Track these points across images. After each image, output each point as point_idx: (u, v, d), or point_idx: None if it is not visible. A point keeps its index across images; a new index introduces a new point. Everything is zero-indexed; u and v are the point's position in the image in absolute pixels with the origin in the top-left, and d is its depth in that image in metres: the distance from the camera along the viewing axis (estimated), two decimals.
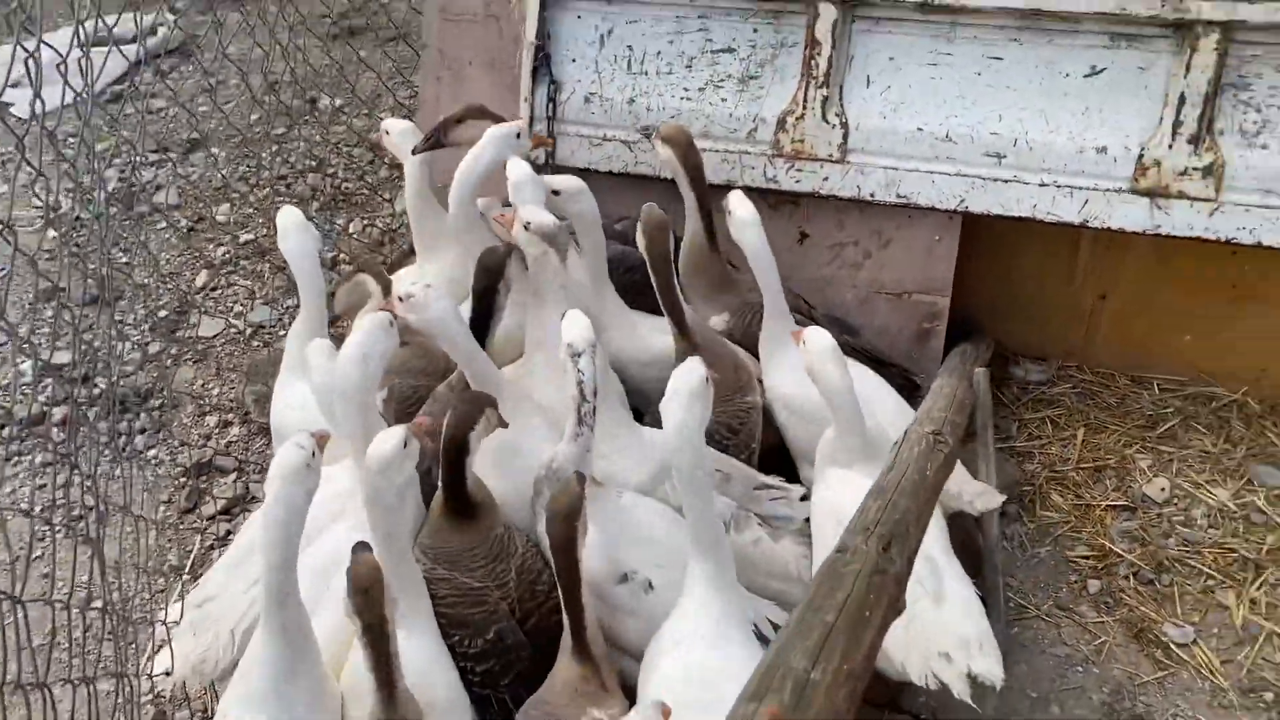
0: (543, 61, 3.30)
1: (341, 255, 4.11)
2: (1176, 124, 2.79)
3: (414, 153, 3.05)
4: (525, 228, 2.54)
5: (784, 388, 2.69)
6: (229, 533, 3.09)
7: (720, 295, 2.90)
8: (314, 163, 4.53)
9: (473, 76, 3.48)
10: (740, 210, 2.66)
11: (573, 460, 2.21)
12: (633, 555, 2.23)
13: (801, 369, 2.60)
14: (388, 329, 2.32)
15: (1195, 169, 2.79)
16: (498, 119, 2.97)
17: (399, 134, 3.16)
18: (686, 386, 1.98)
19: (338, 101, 4.79)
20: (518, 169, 2.68)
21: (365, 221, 4.30)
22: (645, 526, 2.28)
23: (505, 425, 2.26)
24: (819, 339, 2.38)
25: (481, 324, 2.59)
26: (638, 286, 2.79)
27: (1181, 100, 2.77)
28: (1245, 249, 2.82)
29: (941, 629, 2.11)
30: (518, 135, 2.87)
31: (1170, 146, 2.80)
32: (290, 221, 2.66)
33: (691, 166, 2.89)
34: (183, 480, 3.24)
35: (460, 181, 2.81)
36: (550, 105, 3.32)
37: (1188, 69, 2.75)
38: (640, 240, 2.66)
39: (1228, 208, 2.78)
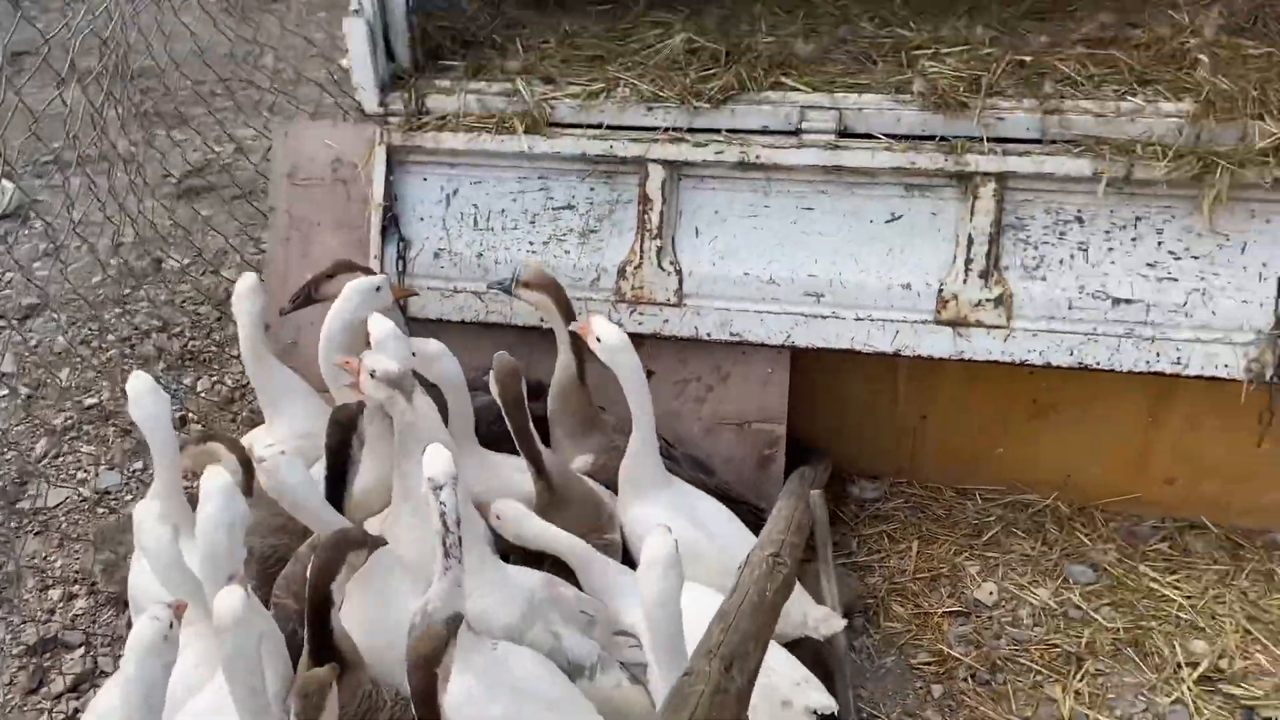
0: (391, 221, 3.45)
1: (190, 414, 4.07)
2: (968, 261, 3.14)
3: (282, 312, 3.11)
4: (371, 375, 2.62)
5: (642, 524, 2.81)
6: (77, 711, 2.96)
7: (587, 436, 3.03)
8: (159, 323, 4.51)
9: (322, 237, 3.60)
10: (608, 335, 2.78)
11: (445, 597, 2.21)
12: (511, 711, 2.22)
13: (663, 503, 2.75)
14: (236, 492, 2.34)
15: (988, 300, 3.13)
16: (368, 272, 3.08)
17: (240, 294, 3.14)
18: (662, 557, 2.05)
19: (184, 260, 4.81)
20: (380, 326, 2.78)
21: (214, 379, 4.29)
22: (523, 679, 2.29)
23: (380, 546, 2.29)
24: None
25: (337, 480, 2.64)
26: (506, 434, 2.89)
27: (970, 241, 3.13)
28: (1038, 368, 3.16)
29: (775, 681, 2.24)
30: (378, 289, 2.99)
31: (965, 281, 3.14)
32: (141, 387, 2.66)
33: (562, 303, 3.04)
34: (26, 659, 3.10)
35: (326, 336, 2.89)
36: (400, 262, 3.46)
37: (972, 214, 3.11)
38: (494, 388, 2.79)
39: (1018, 333, 3.13)
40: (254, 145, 5.49)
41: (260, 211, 4.56)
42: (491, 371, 2.80)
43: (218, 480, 2.31)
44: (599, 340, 2.78)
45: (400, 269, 3.45)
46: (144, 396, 2.65)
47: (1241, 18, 3.40)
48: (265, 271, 3.71)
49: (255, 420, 3.60)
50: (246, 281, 3.11)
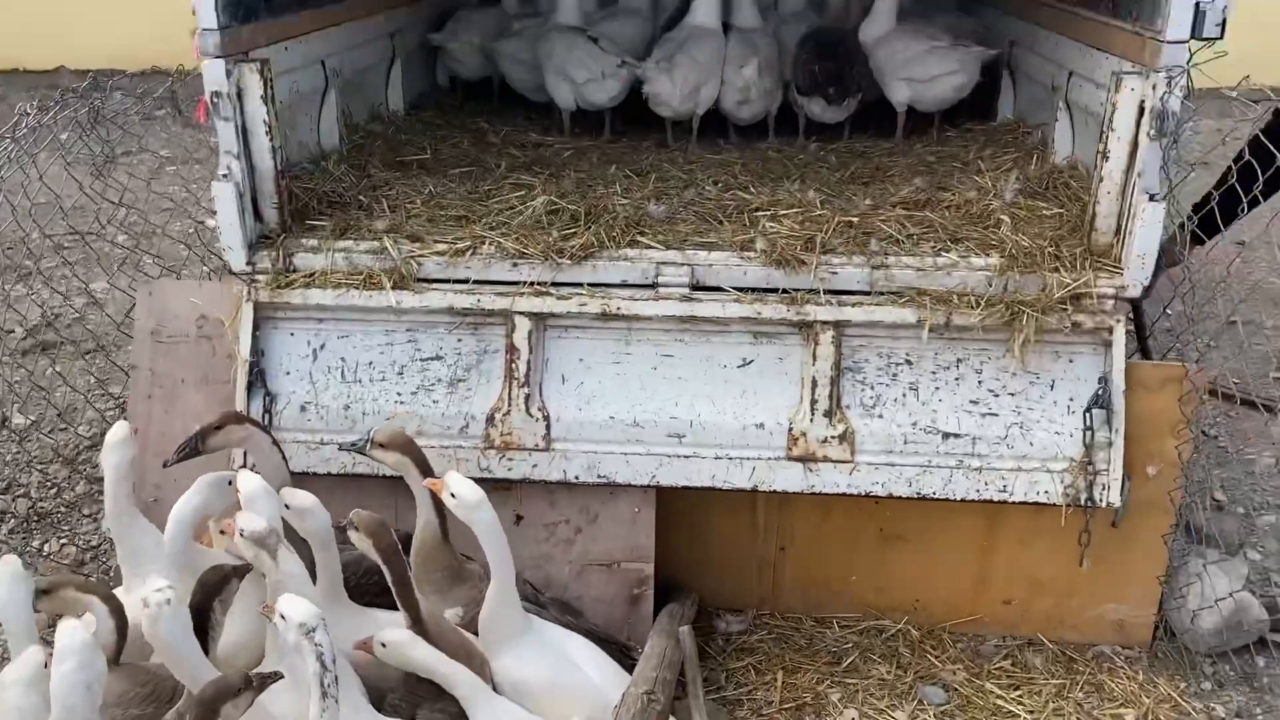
0: (257, 376, 3.48)
1: (39, 578, 3.89)
2: (813, 402, 3.39)
3: (166, 465, 3.06)
4: (240, 534, 2.65)
5: (512, 671, 2.85)
6: None
7: (454, 589, 3.06)
8: (3, 484, 4.34)
9: (186, 394, 3.60)
10: (463, 492, 2.85)
11: None
12: None
13: (533, 646, 2.80)
14: (96, 649, 2.29)
15: (833, 437, 3.38)
16: (258, 424, 3.09)
17: (110, 444, 3.10)
18: None
19: (31, 417, 4.66)
20: (249, 483, 2.80)
21: (63, 541, 4.13)
22: None
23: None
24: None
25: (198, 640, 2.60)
26: (376, 588, 2.90)
27: (814, 383, 3.39)
28: (883, 499, 3.41)
29: None
30: (230, 483, 2.98)
31: (811, 420, 3.38)
32: (3, 573, 2.59)
33: (419, 461, 3.10)
34: None
35: (173, 524, 2.88)
36: (266, 416, 3.48)
37: (814, 358, 3.38)
38: (363, 541, 2.82)
39: (862, 467, 3.37)
40: (105, 299, 5.43)
41: (118, 366, 4.50)
42: (358, 527, 2.84)
43: (75, 636, 2.24)
44: (454, 497, 2.86)
45: (266, 423, 3.47)
46: (3, 583, 2.57)
47: (1035, 183, 3.87)
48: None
49: (109, 583, 3.49)
50: (118, 432, 3.07)
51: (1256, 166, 3.34)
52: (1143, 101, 3.16)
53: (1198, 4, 3.01)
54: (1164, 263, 3.45)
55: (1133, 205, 3.24)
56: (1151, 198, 3.20)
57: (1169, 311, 4.75)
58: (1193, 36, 3.07)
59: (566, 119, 4.95)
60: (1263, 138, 3.30)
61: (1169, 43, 3.06)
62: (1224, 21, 3.04)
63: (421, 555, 3.08)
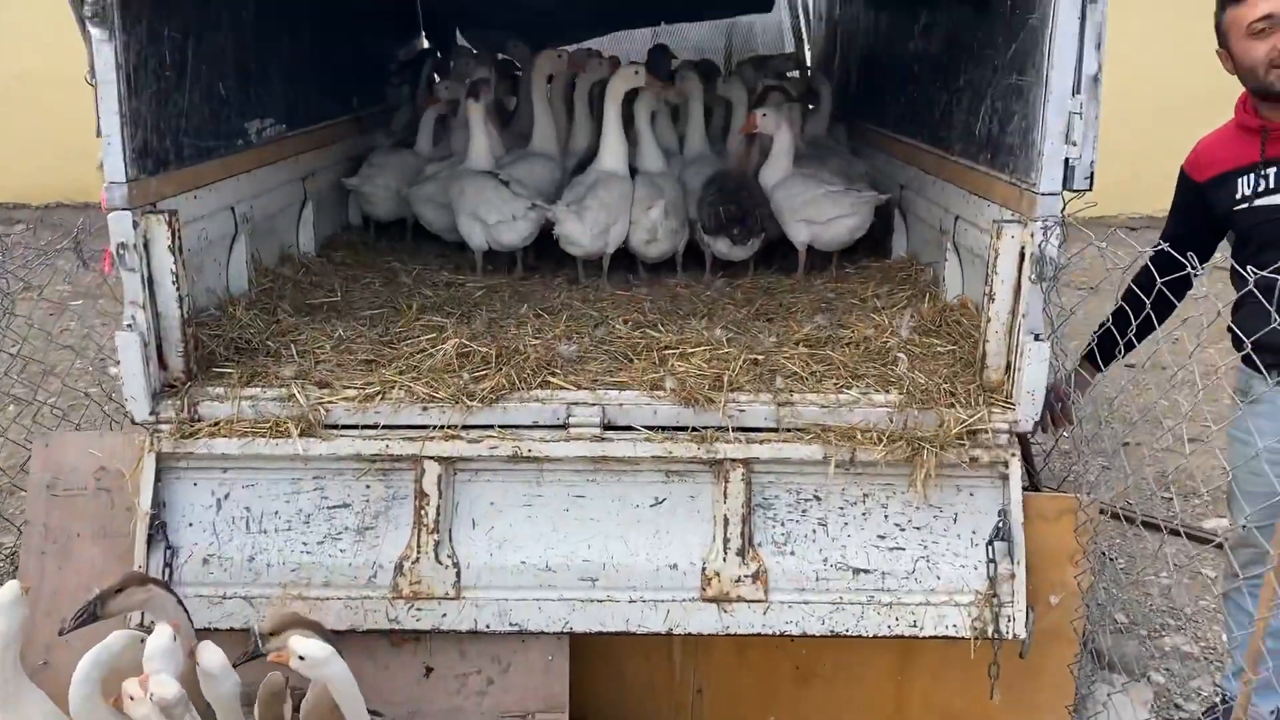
0: (158, 529, 3.38)
1: None
2: (726, 540, 3.42)
3: (61, 632, 2.93)
4: (151, 698, 2.57)
5: None
6: None
7: None
8: None
9: (82, 548, 3.47)
10: (310, 651, 2.76)
11: None
12: None
13: None
14: None
15: (746, 576, 3.40)
16: (160, 583, 2.98)
17: (0, 605, 2.96)
18: None
19: None
20: (157, 641, 2.71)
21: None
22: None
23: None
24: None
25: None
26: None
27: (726, 521, 3.42)
28: (797, 638, 3.42)
29: None
30: (142, 640, 2.88)
31: (724, 560, 3.40)
32: None
33: (311, 627, 3.01)
34: None
35: (80, 683, 2.76)
36: (167, 570, 3.37)
37: (726, 496, 3.42)
38: (257, 709, 2.75)
39: (775, 606, 3.39)
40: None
41: (6, 519, 4.32)
42: (259, 693, 2.77)
43: None
44: (301, 659, 2.79)
45: (167, 578, 3.36)
46: None
47: (929, 320, 4.04)
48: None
49: None
50: (7, 593, 2.94)
51: (1130, 313, 3.56)
52: (1023, 248, 3.36)
53: (1067, 159, 3.24)
54: (1053, 396, 3.62)
55: (1020, 344, 3.40)
56: (1036, 337, 3.36)
57: (1066, 435, 4.95)
58: (1064, 188, 3.29)
59: (479, 259, 5.04)
60: (1135, 288, 3.55)
61: (1043, 194, 3.27)
62: (1092, 175, 3.27)
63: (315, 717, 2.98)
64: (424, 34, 7.70)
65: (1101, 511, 4.74)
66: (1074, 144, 3.21)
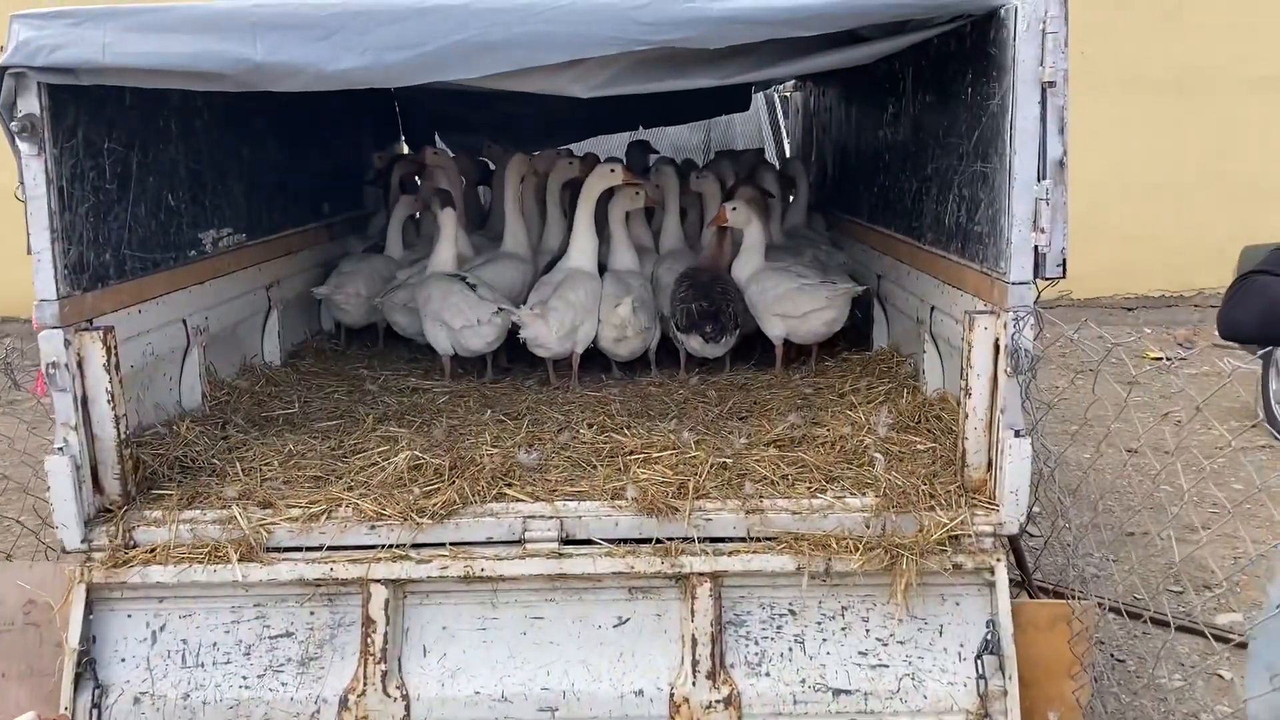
0: (86, 667, 3.16)
1: None
2: (695, 662, 3.18)
3: None
4: None
5: None
6: None
7: None
8: None
9: (8, 689, 3.24)
10: None
11: None
12: None
13: None
14: None
15: (717, 701, 3.15)
16: None
17: None
18: None
19: None
20: None
21: None
22: None
23: None
24: None
25: None
26: None
27: (694, 640, 3.19)
28: None
29: None
30: None
31: (694, 684, 3.16)
32: None
33: None
34: None
35: None
36: (95, 711, 3.14)
37: (693, 613, 3.20)
38: None
39: None
40: None
41: None
42: None
43: None
44: None
45: (95, 719, 3.13)
46: None
47: (907, 416, 3.86)
48: None
49: None
50: None
51: None
52: (997, 339, 3.20)
53: (1036, 247, 3.10)
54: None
55: (1000, 441, 3.21)
56: (1017, 433, 3.18)
57: (1067, 525, 4.72)
58: (1036, 276, 3.14)
59: (447, 363, 4.90)
60: None
61: (1014, 284, 3.12)
62: (1064, 262, 3.12)
63: None
64: (403, 138, 7.70)
65: (1102, 606, 4.49)
66: (1042, 230, 3.08)
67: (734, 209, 4.90)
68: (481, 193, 7.14)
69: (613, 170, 5.03)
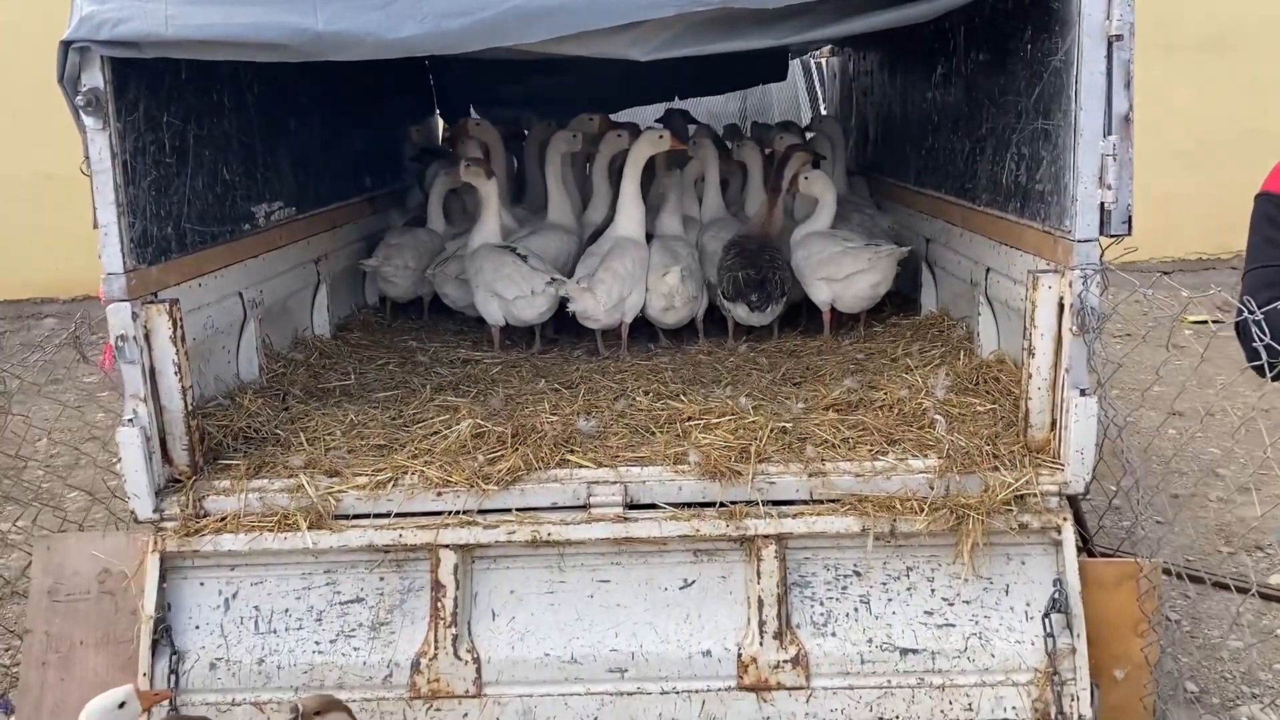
0: (163, 633, 3.22)
1: None
2: (762, 623, 3.20)
3: None
4: None
5: None
6: None
7: None
8: None
9: (85, 656, 3.31)
10: None
11: None
12: None
13: None
14: None
15: (785, 661, 3.17)
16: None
17: None
18: None
19: None
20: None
21: None
22: None
23: None
24: None
25: None
26: None
27: (761, 602, 3.21)
28: None
29: None
30: (121, 704, 2.73)
31: (761, 644, 3.18)
32: None
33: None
34: None
35: None
36: (173, 677, 3.20)
37: (759, 575, 3.21)
38: None
39: (819, 693, 3.16)
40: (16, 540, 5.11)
41: (9, 630, 4.16)
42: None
43: None
44: None
45: (173, 685, 3.19)
46: None
47: (965, 378, 3.84)
48: (19, 701, 3.34)
49: None
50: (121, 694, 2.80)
51: None
52: (1061, 298, 3.18)
53: (1102, 204, 3.07)
54: None
55: (1065, 400, 3.20)
56: (1082, 392, 3.16)
57: (1115, 487, 4.70)
58: (1101, 234, 3.11)
59: (496, 334, 4.91)
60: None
61: (1079, 241, 3.10)
62: (1129, 218, 3.09)
63: None
64: (439, 111, 7.69)
65: (1166, 572, 4.48)
66: (1109, 187, 3.04)
67: (806, 178, 4.88)
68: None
69: (660, 137, 5.01)
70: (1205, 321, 9.32)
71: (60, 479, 4.65)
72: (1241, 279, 2.88)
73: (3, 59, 10.73)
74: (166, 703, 3.13)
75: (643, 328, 4.94)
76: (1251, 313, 2.58)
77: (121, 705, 2.74)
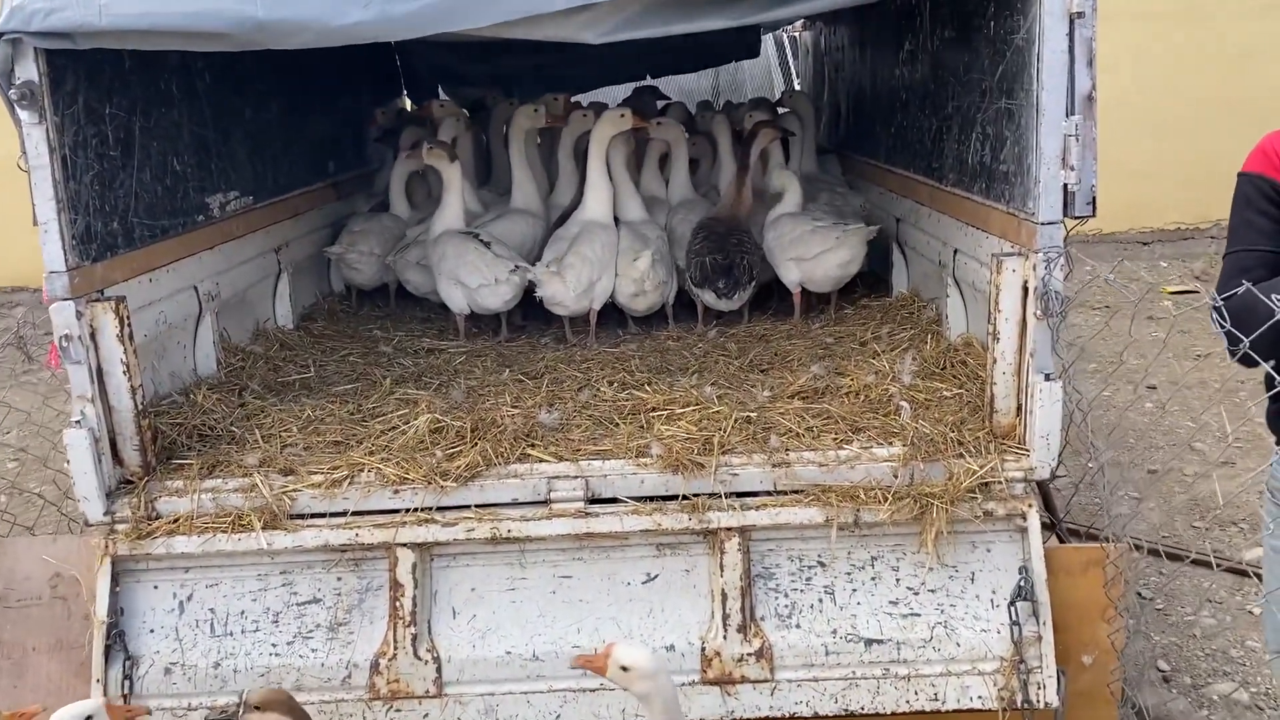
0: (116, 639, 3.16)
1: None
2: (725, 616, 3.16)
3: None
4: None
5: None
6: None
7: None
8: None
9: (37, 663, 3.25)
10: (634, 662, 2.58)
11: None
12: None
13: None
14: None
15: (749, 654, 3.13)
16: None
17: None
18: None
19: None
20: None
21: None
22: None
23: None
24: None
25: None
26: None
27: (724, 595, 3.16)
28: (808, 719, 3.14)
29: None
30: (88, 718, 2.67)
31: (725, 637, 3.14)
32: None
33: (301, 717, 2.79)
34: None
35: None
36: (127, 683, 3.14)
37: (722, 568, 3.17)
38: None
39: (783, 685, 3.12)
40: None
41: None
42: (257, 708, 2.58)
43: None
44: (625, 670, 2.57)
45: (127, 691, 3.13)
46: None
47: (932, 363, 3.80)
48: None
49: None
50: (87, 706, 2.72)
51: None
52: (1025, 282, 3.12)
53: (1066, 185, 3.02)
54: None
55: (1030, 385, 3.15)
56: (1047, 377, 3.12)
57: (1090, 466, 4.67)
58: (1065, 216, 3.05)
59: (461, 323, 4.84)
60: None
61: (1043, 224, 3.04)
62: (1094, 200, 3.04)
63: None
64: (405, 92, 7.57)
65: (1138, 548, 4.46)
66: (1072, 168, 2.99)
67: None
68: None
69: (622, 115, 4.92)
70: (1186, 291, 9.32)
71: (5, 479, 4.56)
72: (1222, 259, 2.83)
73: None
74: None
75: (611, 313, 4.88)
76: (1213, 299, 2.53)
77: (89, 719, 2.66)
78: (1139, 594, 4.68)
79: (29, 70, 3.02)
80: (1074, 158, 2.98)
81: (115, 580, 3.20)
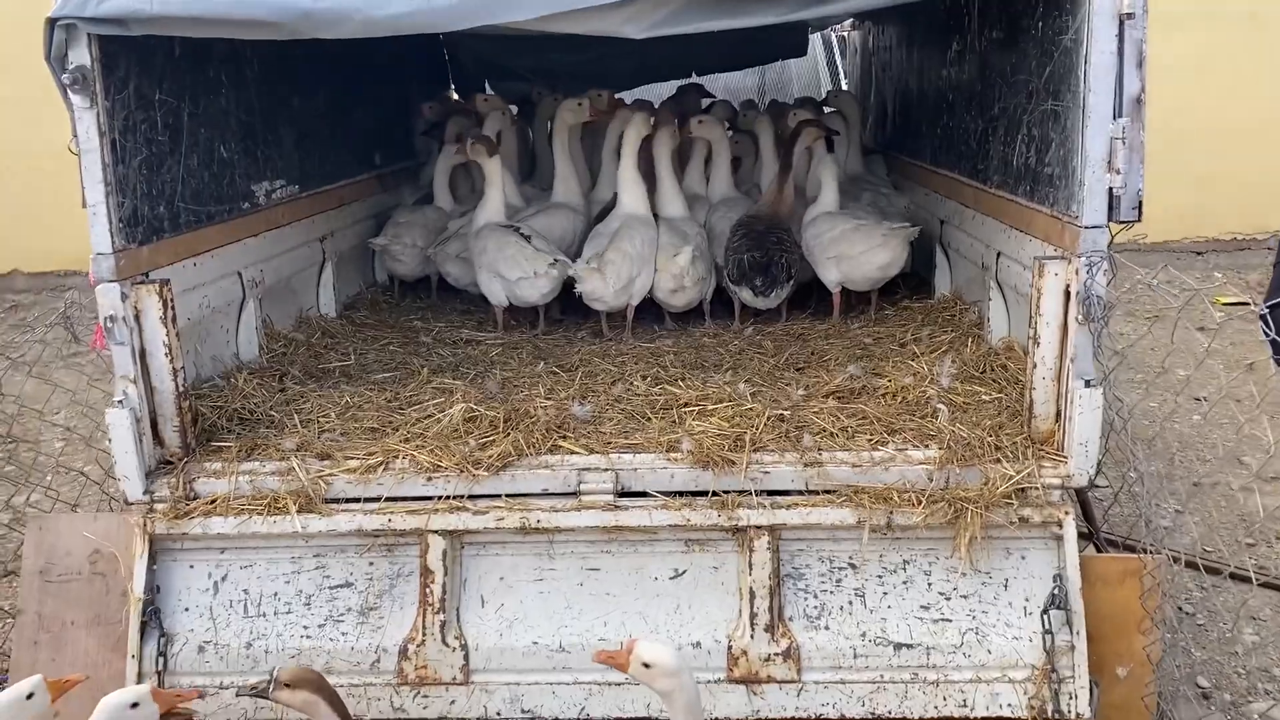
0: (152, 615, 3.21)
1: None
2: (753, 615, 3.14)
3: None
4: None
5: None
6: None
7: None
8: None
9: (76, 637, 3.32)
10: (656, 659, 2.59)
11: None
12: None
13: None
14: None
15: (776, 654, 3.12)
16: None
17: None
18: None
19: None
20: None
21: None
22: None
23: None
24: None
25: None
26: None
27: (752, 594, 3.15)
28: None
29: None
30: (134, 704, 2.71)
31: (752, 636, 3.13)
32: None
33: (333, 701, 2.82)
34: None
35: None
36: (161, 659, 3.20)
37: (751, 566, 3.15)
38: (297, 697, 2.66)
39: (810, 687, 3.10)
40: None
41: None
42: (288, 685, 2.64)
43: None
44: (646, 666, 2.59)
45: (161, 668, 3.18)
46: None
47: (972, 366, 3.75)
48: (11, 680, 3.35)
49: None
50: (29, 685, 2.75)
51: None
52: (1068, 286, 3.07)
53: (1111, 189, 2.96)
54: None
55: (1069, 391, 3.10)
56: (1088, 383, 3.06)
57: (1130, 476, 4.58)
58: (1110, 220, 3.00)
59: (500, 315, 4.86)
60: None
61: (1086, 228, 2.99)
62: (1139, 204, 2.98)
63: None
64: (452, 86, 7.62)
65: (1177, 560, 4.36)
66: (1118, 172, 2.93)
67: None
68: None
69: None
70: (1240, 303, 9.11)
71: (48, 457, 4.66)
72: (1272, 268, 2.78)
73: (28, 28, 10.79)
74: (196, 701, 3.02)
75: (648, 309, 4.87)
76: (1260, 308, 2.48)
77: (134, 706, 2.70)
78: (1180, 608, 4.58)
79: (82, 55, 3.08)
80: (1120, 161, 2.93)
81: (153, 558, 3.25)
